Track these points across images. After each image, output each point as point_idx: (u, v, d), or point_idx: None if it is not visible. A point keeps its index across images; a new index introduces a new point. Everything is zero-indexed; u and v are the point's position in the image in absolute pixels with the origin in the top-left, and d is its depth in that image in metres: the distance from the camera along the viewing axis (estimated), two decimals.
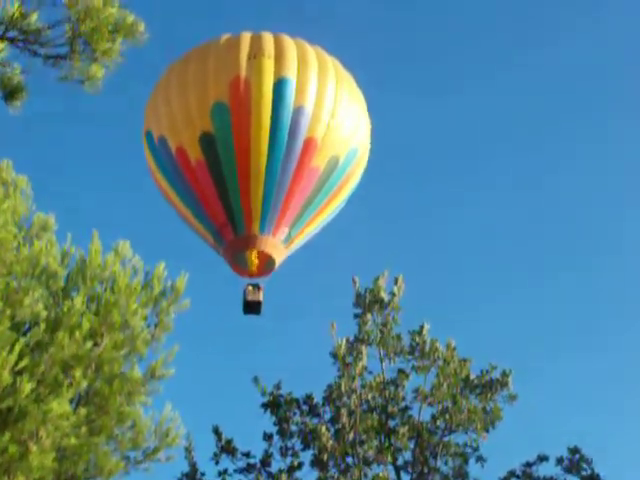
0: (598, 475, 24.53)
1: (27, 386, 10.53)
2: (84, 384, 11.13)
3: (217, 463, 24.47)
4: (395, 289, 24.70)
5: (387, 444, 24.19)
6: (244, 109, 22.38)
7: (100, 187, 52.13)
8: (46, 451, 10.76)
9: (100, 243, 12.04)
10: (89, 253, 11.99)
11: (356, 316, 24.70)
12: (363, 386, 24.39)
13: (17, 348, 10.43)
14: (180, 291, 12.39)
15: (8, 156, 12.57)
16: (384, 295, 24.58)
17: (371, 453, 24.12)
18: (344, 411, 24.10)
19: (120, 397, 11.58)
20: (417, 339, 24.57)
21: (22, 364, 10.56)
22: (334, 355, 24.30)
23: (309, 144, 22.68)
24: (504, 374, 24.58)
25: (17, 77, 11.19)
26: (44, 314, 11.10)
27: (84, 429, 11.14)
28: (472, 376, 24.44)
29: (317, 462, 24.05)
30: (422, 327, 24.76)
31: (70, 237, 12.35)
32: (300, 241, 23.87)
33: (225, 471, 24.41)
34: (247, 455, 24.60)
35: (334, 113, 22.95)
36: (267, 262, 23.11)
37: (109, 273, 11.92)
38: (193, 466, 24.10)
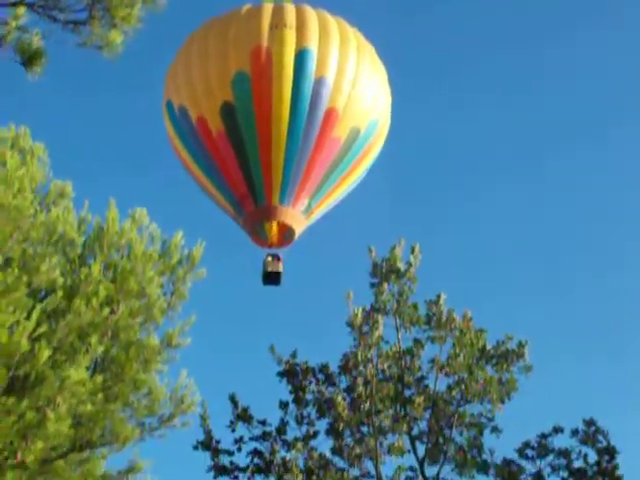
0: (614, 447, 24.49)
1: (45, 353, 10.55)
2: (100, 350, 11.15)
3: (233, 431, 24.60)
4: (411, 258, 24.61)
5: (403, 414, 24.22)
6: (265, 79, 22.31)
7: (118, 155, 52.20)
8: (63, 418, 10.80)
9: (117, 211, 12.03)
10: (106, 221, 11.97)
11: (372, 285, 24.64)
12: (379, 356, 24.38)
13: (35, 315, 10.44)
14: (197, 260, 12.38)
15: (25, 123, 12.55)
16: (400, 265, 24.49)
17: (386, 423, 24.15)
18: (360, 380, 24.13)
19: (136, 364, 11.60)
20: (433, 309, 24.53)
21: (40, 331, 10.57)
22: (350, 324, 24.28)
23: (330, 114, 22.62)
24: (520, 345, 24.50)
25: (37, 43, 11.13)
26: (61, 281, 11.11)
27: (100, 396, 11.17)
28: (488, 347, 24.40)
29: (332, 431, 24.12)
30: (439, 297, 24.71)
31: (87, 204, 12.36)
32: (320, 212, 23.86)
33: (241, 439, 24.52)
34: (263, 423, 24.70)
35: (355, 84, 22.88)
36: (287, 233, 23.14)
37: (126, 241, 11.90)
38: (208, 433, 24.20)
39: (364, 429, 24.17)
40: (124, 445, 11.65)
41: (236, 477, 24.11)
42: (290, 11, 23.12)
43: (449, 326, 24.33)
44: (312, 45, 22.60)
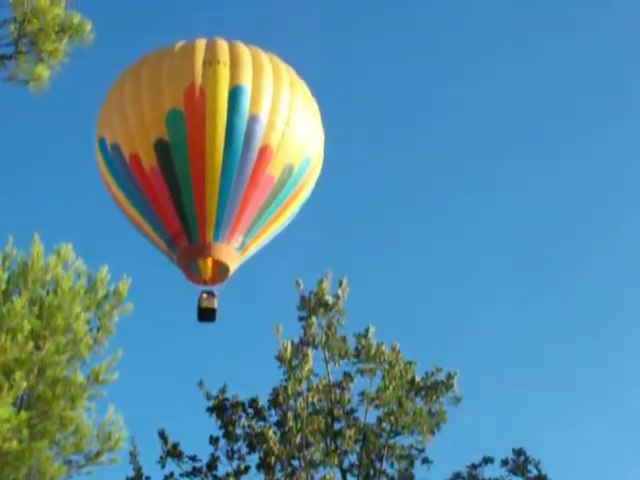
0: (545, 476, 24.65)
1: None
2: (24, 386, 11.02)
3: (163, 467, 24.34)
4: (339, 292, 24.71)
5: (333, 447, 24.20)
6: (199, 117, 22.37)
7: (43, 189, 51.74)
8: None
9: (42, 246, 11.94)
10: (31, 256, 11.88)
11: (301, 319, 24.66)
12: (309, 389, 24.35)
13: None
14: (123, 295, 12.34)
15: None
16: (329, 298, 24.56)
17: (317, 456, 24.11)
18: (290, 414, 24.08)
19: (62, 401, 11.49)
20: (362, 342, 24.59)
21: None
22: (280, 358, 24.24)
23: (264, 152, 22.73)
24: (449, 376, 24.66)
25: None
26: None
27: (26, 433, 11.04)
28: (417, 378, 24.51)
29: (263, 465, 24.01)
30: (367, 330, 24.78)
31: (11, 240, 12.25)
32: (254, 248, 23.93)
33: (171, 475, 24.27)
34: (193, 459, 24.48)
35: (289, 121, 23.03)
36: (221, 270, 23.14)
37: (51, 276, 11.82)
38: (138, 470, 23.95)
39: (295, 463, 24.09)
40: None
41: None
42: (223, 47, 23.20)
43: (378, 358, 24.40)
44: (246, 82, 22.70)
